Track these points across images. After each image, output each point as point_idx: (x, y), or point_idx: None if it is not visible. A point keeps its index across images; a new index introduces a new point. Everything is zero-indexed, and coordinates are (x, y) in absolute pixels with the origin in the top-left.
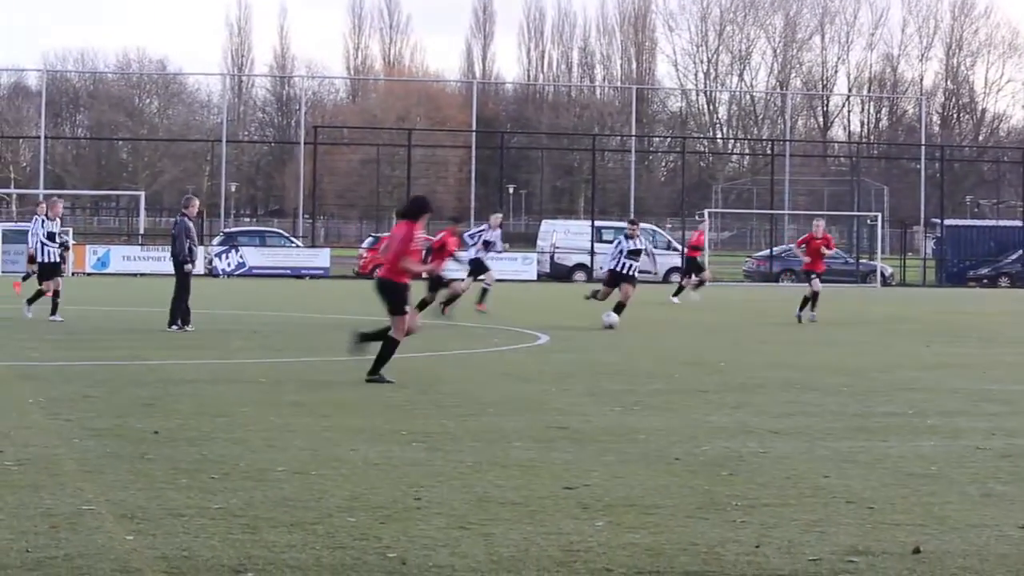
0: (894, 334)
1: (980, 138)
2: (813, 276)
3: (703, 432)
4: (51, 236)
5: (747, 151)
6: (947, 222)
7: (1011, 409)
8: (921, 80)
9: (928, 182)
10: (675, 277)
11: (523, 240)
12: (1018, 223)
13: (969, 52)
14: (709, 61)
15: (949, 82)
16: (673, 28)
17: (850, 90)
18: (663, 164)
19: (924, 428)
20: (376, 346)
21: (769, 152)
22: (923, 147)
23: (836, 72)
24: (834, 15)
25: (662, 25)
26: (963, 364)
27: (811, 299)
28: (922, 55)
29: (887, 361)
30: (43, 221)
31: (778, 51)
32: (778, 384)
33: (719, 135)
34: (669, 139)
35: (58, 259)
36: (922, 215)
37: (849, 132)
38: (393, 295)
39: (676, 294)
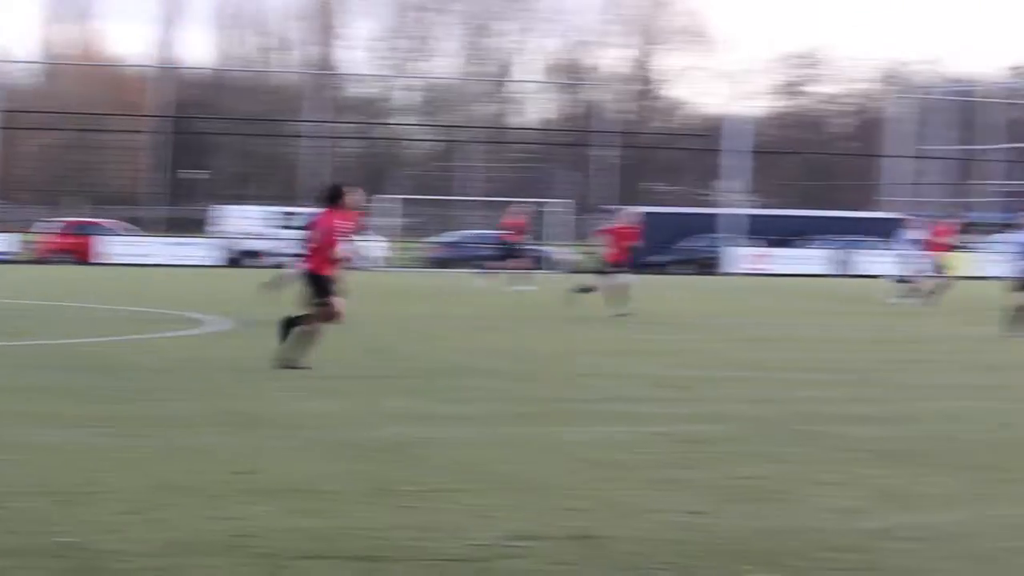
0: (576, 320)
1: (666, 125)
2: (619, 270)
3: (378, 418)
4: None
5: (434, 136)
6: (631, 208)
7: (690, 395)
8: (606, 68)
9: (613, 169)
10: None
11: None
12: (700, 210)
13: (658, 40)
14: (399, 47)
15: (638, 69)
16: (363, 13)
17: (538, 77)
18: (350, 149)
19: (604, 414)
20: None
21: (456, 139)
22: (606, 134)
23: (525, 59)
24: (525, 1)
25: (352, 10)
26: (645, 351)
27: (619, 294)
28: (611, 42)
29: (570, 348)
30: None
31: (467, 37)
32: (460, 371)
33: (406, 121)
34: (357, 124)
35: None
36: (605, 201)
37: (536, 119)
38: (318, 286)
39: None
